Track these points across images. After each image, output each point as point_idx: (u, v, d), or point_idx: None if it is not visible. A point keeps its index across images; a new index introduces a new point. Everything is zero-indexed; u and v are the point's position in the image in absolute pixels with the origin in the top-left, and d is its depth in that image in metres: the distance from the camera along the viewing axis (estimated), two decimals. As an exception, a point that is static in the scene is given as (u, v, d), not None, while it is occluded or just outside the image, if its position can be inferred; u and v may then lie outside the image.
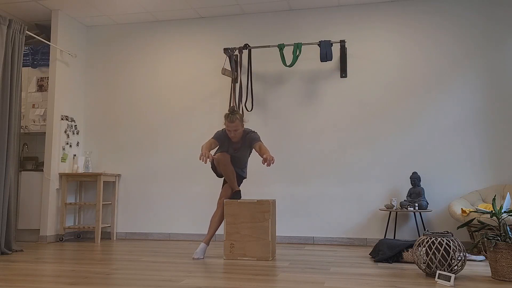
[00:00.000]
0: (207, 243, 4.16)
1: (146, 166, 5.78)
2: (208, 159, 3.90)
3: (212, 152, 5.23)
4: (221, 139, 4.23)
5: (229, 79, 5.64)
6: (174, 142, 5.74)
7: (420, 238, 3.35)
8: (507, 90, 4.97)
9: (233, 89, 5.49)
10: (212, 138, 4.23)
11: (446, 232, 3.34)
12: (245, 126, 4.50)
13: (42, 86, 5.75)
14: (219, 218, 4.21)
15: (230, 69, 5.50)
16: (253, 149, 4.19)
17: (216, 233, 5.45)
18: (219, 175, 4.38)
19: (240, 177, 4.41)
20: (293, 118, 5.44)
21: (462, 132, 5.01)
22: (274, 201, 4.18)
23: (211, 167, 4.39)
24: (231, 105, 5.46)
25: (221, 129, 4.33)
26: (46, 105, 5.68)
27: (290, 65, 5.23)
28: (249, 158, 4.44)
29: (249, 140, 4.19)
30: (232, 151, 4.26)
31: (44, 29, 5.89)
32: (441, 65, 5.15)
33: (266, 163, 3.83)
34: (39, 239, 5.28)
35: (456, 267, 3.17)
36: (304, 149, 5.37)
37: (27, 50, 5.78)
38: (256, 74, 5.60)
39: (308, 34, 5.52)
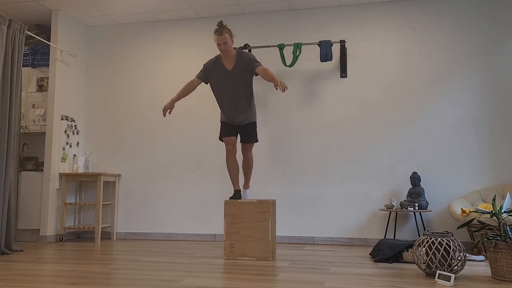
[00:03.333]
0: (245, 187, 4.39)
1: (146, 166, 5.78)
2: (167, 112, 4.04)
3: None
4: (211, 69, 4.13)
5: (229, 79, 5.64)
6: (174, 142, 5.74)
7: (420, 238, 3.35)
8: (507, 90, 4.97)
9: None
10: (196, 77, 4.19)
11: (446, 232, 3.34)
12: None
13: (42, 86, 5.75)
14: (238, 164, 4.30)
15: (230, 69, 5.49)
16: (255, 74, 4.08)
17: (216, 233, 5.45)
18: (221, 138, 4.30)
19: (250, 126, 4.23)
20: (293, 118, 5.44)
21: (462, 132, 5.01)
22: (274, 201, 4.17)
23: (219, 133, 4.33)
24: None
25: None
26: (46, 105, 5.68)
27: (290, 65, 5.23)
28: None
29: (246, 60, 4.04)
30: (227, 77, 4.08)
31: (44, 29, 5.89)
32: (441, 65, 5.15)
33: (280, 89, 3.69)
34: (39, 239, 5.28)
35: (456, 267, 3.17)
36: (304, 149, 5.37)
37: (27, 50, 5.78)
38: (256, 74, 5.59)
39: (308, 34, 5.52)
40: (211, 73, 4.17)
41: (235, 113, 4.17)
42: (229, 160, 4.24)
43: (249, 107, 4.22)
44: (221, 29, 3.98)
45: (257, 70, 4.01)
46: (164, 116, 4.21)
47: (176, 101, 4.24)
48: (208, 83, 4.23)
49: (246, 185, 4.48)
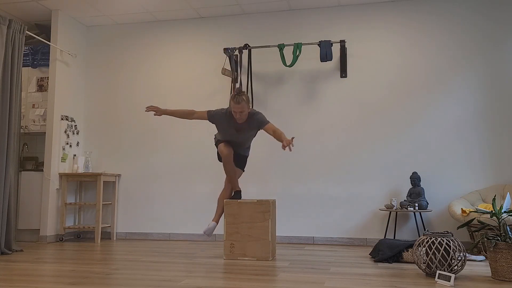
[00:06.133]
0: (217, 222, 4.20)
1: (146, 166, 5.78)
2: (153, 111, 3.88)
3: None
4: (218, 118, 4.11)
5: (229, 79, 5.65)
6: (174, 142, 5.74)
7: (420, 238, 3.35)
8: (507, 90, 4.97)
9: (233, 89, 5.49)
10: (205, 111, 4.13)
11: (446, 232, 3.34)
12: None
13: (42, 86, 5.75)
14: (227, 197, 4.25)
15: (230, 69, 5.50)
16: (260, 131, 4.14)
17: (216, 233, 5.45)
18: (221, 160, 4.36)
19: (244, 157, 4.37)
20: (293, 118, 5.44)
21: (462, 132, 5.01)
22: (274, 201, 4.18)
23: (217, 153, 4.37)
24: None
25: (224, 108, 4.19)
26: (46, 105, 5.68)
27: (290, 65, 5.23)
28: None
29: (258, 123, 4.08)
30: (234, 131, 4.14)
31: (44, 29, 5.89)
32: (441, 65, 5.15)
33: (287, 148, 3.68)
34: (39, 239, 5.28)
35: (456, 267, 3.17)
36: (304, 149, 5.37)
37: (27, 50, 5.78)
38: (256, 74, 5.60)
39: (308, 34, 5.52)
40: (219, 121, 4.14)
41: (235, 146, 4.28)
42: (228, 167, 4.20)
43: (248, 146, 4.41)
44: (239, 98, 3.93)
45: (266, 129, 4.03)
46: (145, 111, 4.16)
47: (167, 115, 4.20)
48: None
49: (217, 219, 4.27)
